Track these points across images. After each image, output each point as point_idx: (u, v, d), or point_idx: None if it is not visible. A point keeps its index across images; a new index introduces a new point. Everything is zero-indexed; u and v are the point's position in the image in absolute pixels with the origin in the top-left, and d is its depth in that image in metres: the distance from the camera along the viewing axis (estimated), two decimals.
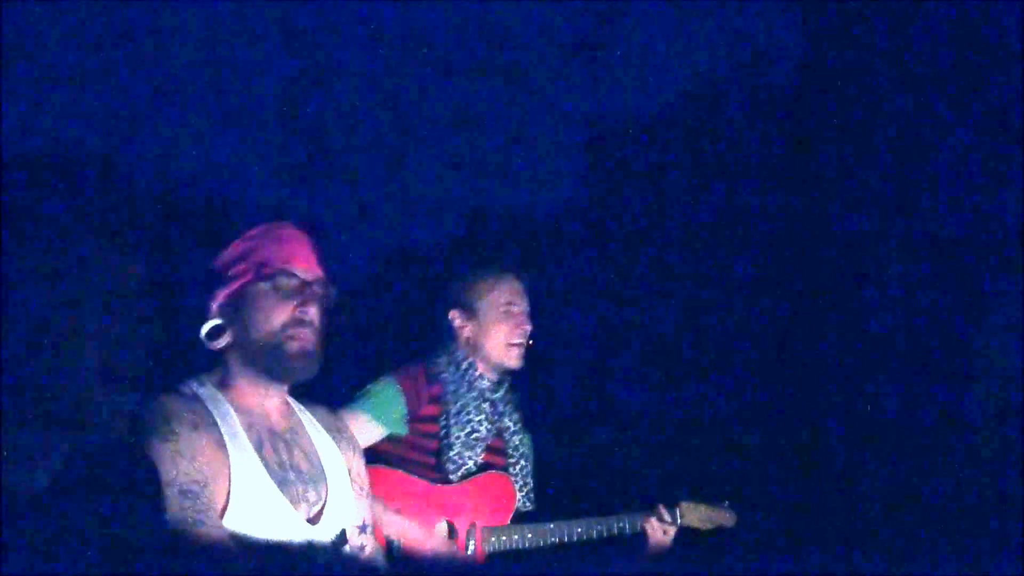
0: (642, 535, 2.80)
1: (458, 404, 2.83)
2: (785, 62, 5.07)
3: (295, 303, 1.86)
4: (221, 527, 1.71)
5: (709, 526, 2.85)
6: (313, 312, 1.87)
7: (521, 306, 2.88)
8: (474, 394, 2.85)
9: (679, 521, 2.82)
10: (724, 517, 2.87)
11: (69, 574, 1.65)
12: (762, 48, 5.25)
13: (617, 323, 4.75)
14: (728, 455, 3.95)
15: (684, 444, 4.01)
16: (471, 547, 2.78)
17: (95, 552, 1.66)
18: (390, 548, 2.73)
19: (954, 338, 3.84)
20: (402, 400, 2.78)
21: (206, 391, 1.85)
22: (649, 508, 2.82)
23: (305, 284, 1.88)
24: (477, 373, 2.86)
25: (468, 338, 2.87)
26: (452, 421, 2.81)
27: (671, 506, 2.83)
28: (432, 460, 2.82)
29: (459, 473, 2.81)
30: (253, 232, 1.91)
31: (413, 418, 2.80)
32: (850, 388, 4.32)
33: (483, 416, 2.85)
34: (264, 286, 1.86)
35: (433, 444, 2.83)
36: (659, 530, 2.79)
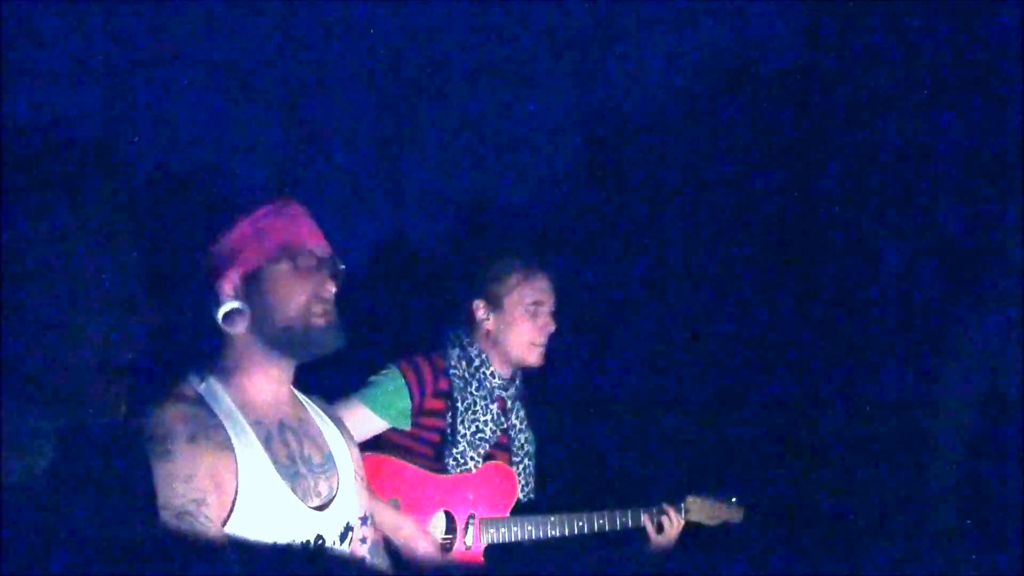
0: (645, 530, 2.76)
1: (466, 402, 2.77)
2: (785, 58, 5.06)
3: (315, 281, 1.82)
4: (221, 541, 1.66)
5: (715, 522, 2.83)
6: (332, 288, 1.83)
7: (548, 305, 2.83)
8: (483, 393, 2.79)
9: (685, 516, 2.80)
10: (730, 513, 2.84)
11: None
12: (761, 44, 5.24)
13: (618, 318, 4.72)
14: (730, 451, 3.93)
15: (689, 439, 3.99)
16: (469, 538, 2.74)
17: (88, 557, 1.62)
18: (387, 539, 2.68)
19: (954, 337, 3.82)
20: (406, 394, 2.73)
21: (208, 387, 1.78)
22: (654, 503, 2.79)
23: (322, 261, 1.84)
24: (489, 371, 2.81)
25: (489, 331, 2.82)
26: (459, 419, 2.75)
27: (677, 501, 2.80)
28: (433, 452, 2.77)
29: (459, 471, 2.76)
30: (260, 212, 1.83)
31: (417, 411, 2.75)
32: (849, 385, 4.30)
33: (489, 417, 2.80)
34: (283, 266, 1.81)
35: (436, 438, 2.77)
36: (664, 525, 2.76)
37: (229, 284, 1.80)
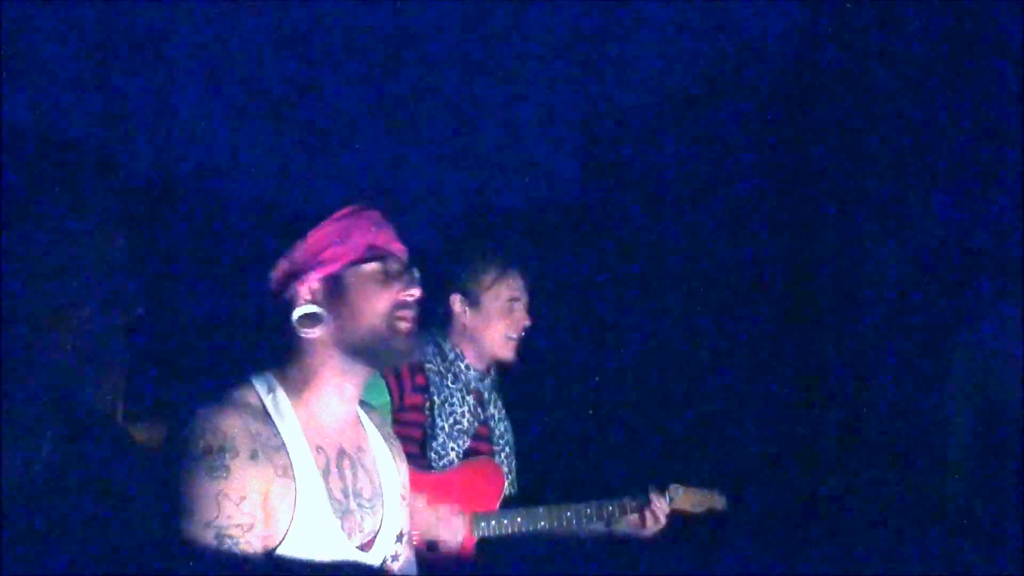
0: (633, 518, 2.80)
1: (442, 395, 2.83)
2: (783, 59, 5.08)
3: (401, 285, 1.75)
4: (260, 571, 1.57)
5: (700, 509, 2.89)
6: (417, 292, 1.77)
7: (523, 301, 2.92)
8: (458, 385, 2.86)
9: (670, 504, 2.84)
10: (714, 500, 2.91)
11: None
12: (759, 45, 5.25)
13: (611, 316, 4.74)
14: (720, 442, 3.94)
15: (675, 433, 4.00)
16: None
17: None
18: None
19: (953, 338, 3.81)
20: (385, 391, 2.76)
21: (275, 400, 1.69)
22: (640, 492, 2.83)
23: (406, 265, 1.78)
24: (464, 364, 2.88)
25: (465, 325, 2.89)
26: (437, 412, 2.81)
27: (662, 490, 2.85)
28: (416, 448, 2.80)
29: (441, 463, 2.80)
30: (341, 213, 1.74)
31: (398, 407, 2.79)
32: (847, 386, 4.30)
33: (466, 408, 2.86)
34: (370, 268, 1.72)
35: (417, 433, 2.81)
36: (650, 514, 2.80)
37: (307, 288, 1.71)
